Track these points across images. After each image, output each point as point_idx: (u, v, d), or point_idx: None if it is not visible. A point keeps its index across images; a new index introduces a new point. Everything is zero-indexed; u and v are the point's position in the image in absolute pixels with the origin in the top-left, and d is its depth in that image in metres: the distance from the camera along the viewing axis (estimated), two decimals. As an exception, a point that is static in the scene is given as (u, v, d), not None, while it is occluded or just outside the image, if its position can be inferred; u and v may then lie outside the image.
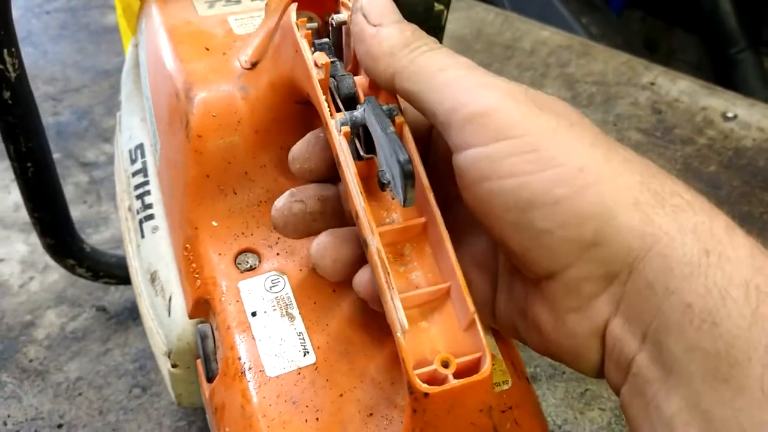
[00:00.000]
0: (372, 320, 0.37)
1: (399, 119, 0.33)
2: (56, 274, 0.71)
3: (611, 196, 0.25)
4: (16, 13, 0.48)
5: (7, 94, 0.49)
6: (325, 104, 0.33)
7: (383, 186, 0.32)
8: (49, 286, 0.71)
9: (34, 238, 0.73)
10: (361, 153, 0.33)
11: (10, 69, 0.48)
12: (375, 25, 0.31)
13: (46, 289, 0.70)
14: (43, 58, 1.03)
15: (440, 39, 0.64)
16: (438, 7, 0.59)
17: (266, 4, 0.41)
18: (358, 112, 0.32)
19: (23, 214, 0.78)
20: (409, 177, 0.29)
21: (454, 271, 0.31)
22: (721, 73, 1.59)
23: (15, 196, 0.81)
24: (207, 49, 0.43)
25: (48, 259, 0.72)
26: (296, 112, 0.39)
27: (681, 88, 0.98)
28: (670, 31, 1.68)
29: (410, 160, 0.29)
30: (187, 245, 0.40)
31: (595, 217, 0.25)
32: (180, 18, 0.46)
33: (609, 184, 0.25)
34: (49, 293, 0.70)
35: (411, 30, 0.31)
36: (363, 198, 0.31)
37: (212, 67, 0.41)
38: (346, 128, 0.32)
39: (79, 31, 1.08)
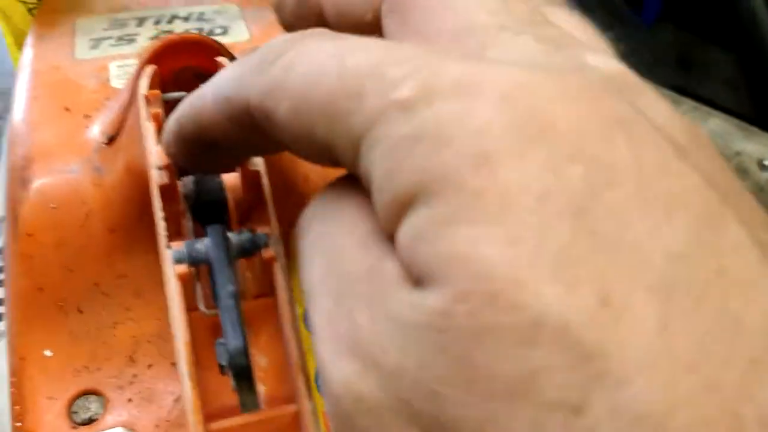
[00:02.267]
0: None
1: (267, 253, 0.22)
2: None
3: None
4: None
5: None
6: (162, 224, 0.22)
7: (222, 369, 0.21)
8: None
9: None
10: (202, 307, 0.22)
11: None
12: None
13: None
14: None
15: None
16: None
17: (137, 54, 0.30)
18: (202, 245, 0.22)
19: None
20: (242, 376, 0.18)
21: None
22: (760, 94, 1.45)
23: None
24: (67, 109, 0.32)
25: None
26: (162, 208, 0.28)
27: (713, 128, 0.85)
28: (705, 47, 1.55)
29: (244, 350, 0.18)
30: (13, 379, 0.30)
31: None
32: (49, 61, 0.35)
33: None
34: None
35: None
36: (191, 385, 0.20)
37: (65, 136, 0.31)
38: (182, 268, 0.21)
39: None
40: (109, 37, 0.37)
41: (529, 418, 0.11)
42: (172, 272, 0.22)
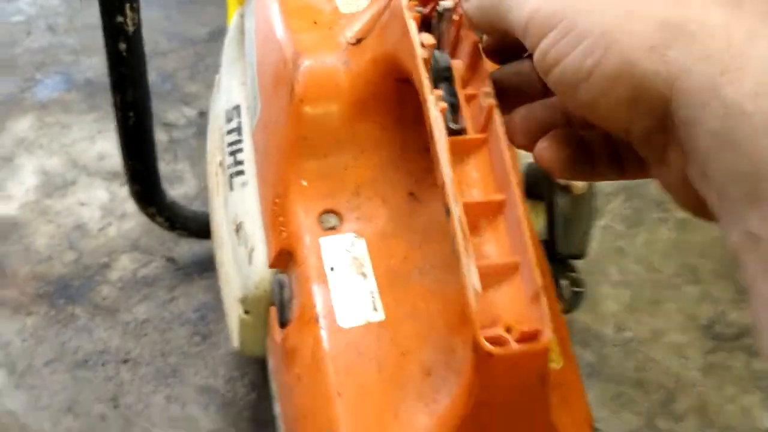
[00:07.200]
0: (438, 289, 0.40)
1: (491, 102, 0.35)
2: (132, 221, 0.76)
3: (630, 48, 0.25)
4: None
5: (123, 46, 0.53)
6: (426, 81, 0.36)
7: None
8: (125, 232, 0.75)
9: (115, 187, 0.78)
10: (450, 124, 0.36)
11: (129, 23, 0.52)
12: None
13: (122, 236, 0.75)
14: (137, 22, 1.09)
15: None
16: None
17: (376, -14, 0.44)
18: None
19: (106, 164, 0.83)
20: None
21: (527, 247, 0.33)
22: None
23: (99, 146, 0.86)
24: (315, 23, 0.46)
25: (126, 208, 0.76)
26: (393, 89, 0.42)
27: None
28: None
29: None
30: (277, 200, 0.44)
31: (622, 74, 0.26)
32: (291, -8, 0.49)
33: (627, 36, 0.26)
34: (124, 239, 0.74)
35: None
36: (451, 170, 0.34)
37: (319, 39, 0.45)
38: (443, 105, 0.35)
39: None
40: (327, -20, 0.51)
41: None
42: (433, 106, 0.35)
